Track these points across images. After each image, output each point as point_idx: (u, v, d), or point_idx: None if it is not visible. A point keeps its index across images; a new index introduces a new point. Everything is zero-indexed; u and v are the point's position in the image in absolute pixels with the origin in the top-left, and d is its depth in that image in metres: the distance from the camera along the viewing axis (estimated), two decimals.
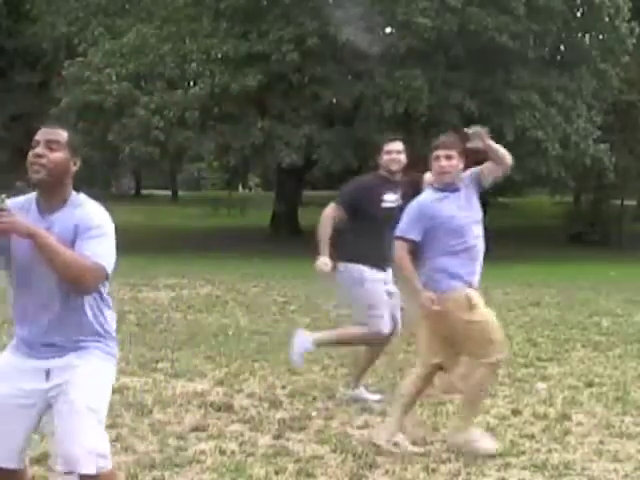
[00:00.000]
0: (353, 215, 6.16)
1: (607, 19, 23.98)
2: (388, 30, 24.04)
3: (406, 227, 5.08)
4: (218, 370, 7.14)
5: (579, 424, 5.71)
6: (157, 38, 23.56)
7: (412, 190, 5.90)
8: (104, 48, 23.58)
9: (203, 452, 4.94)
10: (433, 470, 4.74)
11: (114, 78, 22.69)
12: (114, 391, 4.05)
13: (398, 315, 6.27)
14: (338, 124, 24.35)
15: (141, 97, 22.69)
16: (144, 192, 50.25)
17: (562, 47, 26.28)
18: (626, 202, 31.85)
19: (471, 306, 5.01)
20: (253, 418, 5.68)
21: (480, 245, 5.14)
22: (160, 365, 7.21)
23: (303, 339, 6.34)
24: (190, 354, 7.76)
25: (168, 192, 49.52)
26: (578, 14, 25.01)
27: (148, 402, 6.00)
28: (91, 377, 3.37)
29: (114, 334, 3.50)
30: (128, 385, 6.36)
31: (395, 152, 6.20)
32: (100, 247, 3.27)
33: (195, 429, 5.40)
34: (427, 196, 5.17)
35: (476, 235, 5.11)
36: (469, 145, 5.08)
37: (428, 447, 5.14)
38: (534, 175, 23.70)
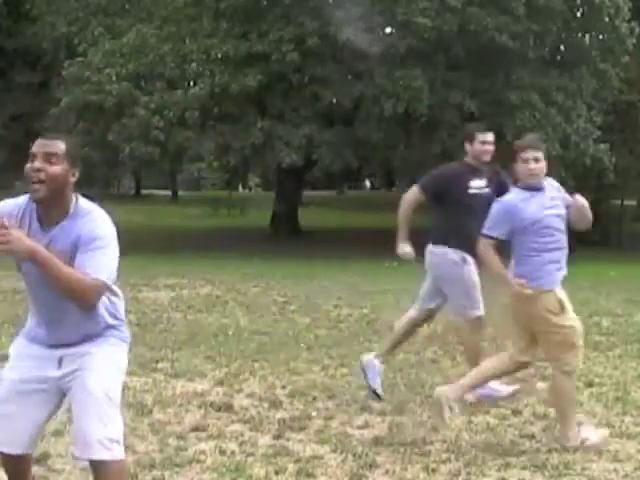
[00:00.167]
0: (439, 201, 6.23)
1: (607, 19, 23.95)
2: (388, 30, 24.02)
3: (491, 225, 5.17)
4: (218, 370, 7.13)
5: (579, 424, 5.70)
6: (157, 38, 23.56)
7: (496, 179, 6.19)
8: (104, 48, 23.58)
9: (203, 452, 4.94)
10: (433, 470, 4.74)
11: (114, 78, 22.68)
12: None
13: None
14: (338, 124, 24.35)
15: (141, 97, 22.68)
16: (144, 192, 50.28)
17: (562, 47, 26.25)
18: (626, 202, 31.83)
19: (562, 309, 5.10)
20: (253, 418, 5.68)
21: (565, 242, 5.23)
22: (160, 365, 7.22)
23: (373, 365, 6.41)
24: (190, 354, 7.76)
25: (168, 192, 49.56)
26: (578, 14, 24.98)
27: (148, 402, 6.01)
28: (104, 362, 3.44)
29: (124, 319, 3.59)
30: (128, 385, 6.35)
31: (489, 143, 6.30)
32: (101, 260, 3.24)
33: (195, 429, 5.40)
34: (514, 196, 5.23)
35: (563, 233, 5.21)
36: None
37: (428, 447, 5.14)
38: None
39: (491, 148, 6.33)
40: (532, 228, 5.10)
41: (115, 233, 3.35)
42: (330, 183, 51.60)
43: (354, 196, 50.96)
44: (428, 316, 6.61)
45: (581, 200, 5.25)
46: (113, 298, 3.50)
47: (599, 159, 24.19)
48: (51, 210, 3.30)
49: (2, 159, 29.45)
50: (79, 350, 3.43)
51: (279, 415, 5.77)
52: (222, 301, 11.76)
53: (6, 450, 3.49)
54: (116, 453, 3.33)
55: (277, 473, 4.64)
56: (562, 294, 5.17)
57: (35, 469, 4.37)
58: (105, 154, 23.96)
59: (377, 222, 34.62)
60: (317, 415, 5.82)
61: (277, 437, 5.29)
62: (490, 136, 6.35)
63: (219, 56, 22.81)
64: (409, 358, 7.77)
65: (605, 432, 5.33)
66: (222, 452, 4.96)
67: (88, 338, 3.46)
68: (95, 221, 3.30)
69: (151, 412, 5.77)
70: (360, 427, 5.58)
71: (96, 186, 42.58)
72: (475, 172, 6.29)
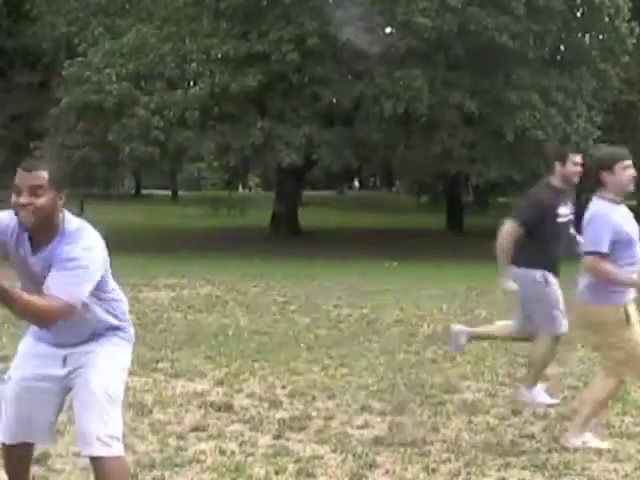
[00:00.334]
0: (531, 231, 6.27)
1: (607, 19, 23.96)
2: (388, 30, 24.02)
3: (598, 240, 5.05)
4: (218, 370, 7.13)
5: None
6: (157, 38, 23.55)
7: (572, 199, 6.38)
8: (104, 48, 23.58)
9: (203, 452, 4.94)
10: (433, 470, 4.74)
11: (114, 78, 22.68)
12: None
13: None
14: (338, 124, 24.35)
15: (141, 97, 22.68)
16: (144, 192, 50.36)
17: (562, 47, 26.25)
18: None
19: (628, 323, 5.07)
20: (253, 418, 5.68)
21: None
22: (160, 365, 7.22)
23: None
24: (190, 354, 7.76)
25: (168, 192, 49.63)
26: (578, 14, 24.99)
27: (148, 402, 6.01)
28: (107, 361, 3.53)
29: (128, 318, 3.70)
30: (128, 385, 6.31)
31: (579, 164, 6.41)
32: (66, 281, 3.22)
33: (195, 429, 5.40)
34: (606, 208, 5.17)
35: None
36: None
37: (428, 447, 5.14)
38: (534, 175, 23.61)
39: (580, 170, 6.42)
40: (623, 241, 5.07)
41: (99, 249, 3.36)
42: (330, 183, 51.68)
43: (354, 196, 50.98)
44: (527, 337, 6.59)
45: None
46: (111, 300, 3.55)
47: None
48: (40, 235, 3.36)
49: (2, 159, 29.41)
50: (84, 349, 3.51)
51: (279, 415, 5.78)
52: (222, 301, 11.76)
53: (22, 440, 3.60)
54: (115, 450, 3.40)
55: (277, 473, 4.64)
56: (633, 307, 5.13)
57: (35, 469, 4.37)
58: (105, 154, 23.96)
59: (377, 222, 34.68)
60: (317, 415, 5.82)
61: (277, 437, 5.29)
62: (580, 158, 6.47)
63: (219, 56, 22.81)
64: (409, 358, 7.77)
65: (605, 443, 5.25)
66: (222, 452, 4.96)
67: (92, 338, 3.54)
68: (72, 244, 3.30)
69: (151, 412, 5.78)
70: (360, 427, 5.58)
71: (96, 186, 42.70)
72: (561, 198, 6.38)
